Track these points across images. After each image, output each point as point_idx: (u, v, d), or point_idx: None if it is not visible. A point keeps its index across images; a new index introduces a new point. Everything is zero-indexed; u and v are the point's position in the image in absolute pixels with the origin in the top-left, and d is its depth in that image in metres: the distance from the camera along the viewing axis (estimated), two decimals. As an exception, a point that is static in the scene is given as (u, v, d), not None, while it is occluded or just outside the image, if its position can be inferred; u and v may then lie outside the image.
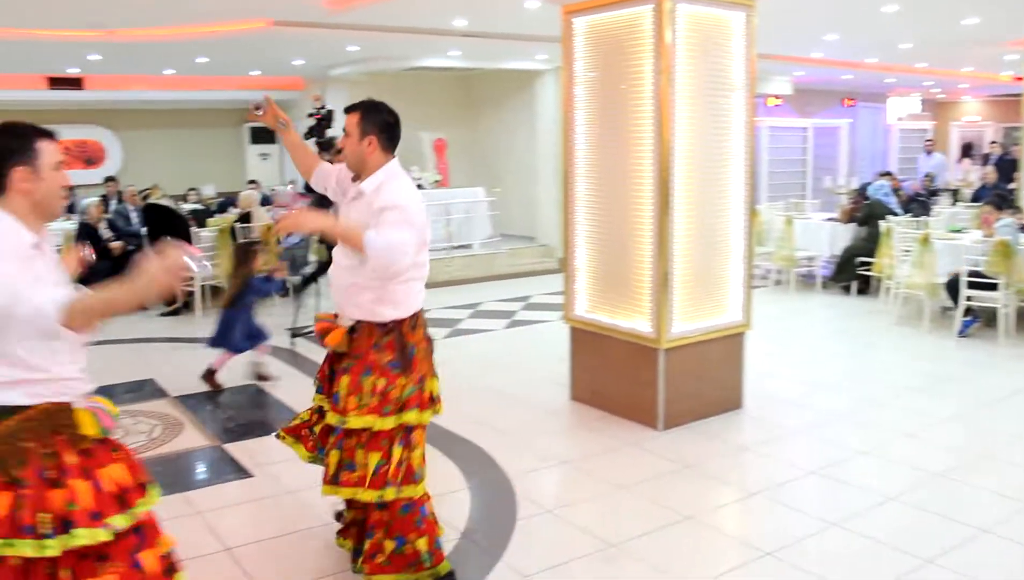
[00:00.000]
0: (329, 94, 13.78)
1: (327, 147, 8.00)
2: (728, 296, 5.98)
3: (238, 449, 5.48)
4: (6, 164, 2.49)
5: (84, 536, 2.43)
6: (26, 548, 2.39)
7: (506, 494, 4.73)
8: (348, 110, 3.66)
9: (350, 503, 3.82)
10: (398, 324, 3.53)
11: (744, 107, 5.79)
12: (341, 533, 4.00)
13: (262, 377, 7.10)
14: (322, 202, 8.00)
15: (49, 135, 2.58)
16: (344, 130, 3.66)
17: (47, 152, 2.55)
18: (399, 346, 3.52)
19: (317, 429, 3.83)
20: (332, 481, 3.53)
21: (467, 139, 15.56)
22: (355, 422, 3.43)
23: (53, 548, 2.40)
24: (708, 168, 5.67)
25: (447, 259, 11.99)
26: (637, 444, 5.48)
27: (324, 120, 7.76)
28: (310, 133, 7.86)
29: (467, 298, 10.75)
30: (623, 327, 5.85)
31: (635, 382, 5.83)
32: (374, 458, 3.45)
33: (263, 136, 17.62)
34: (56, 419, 2.51)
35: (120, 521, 2.52)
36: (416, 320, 3.60)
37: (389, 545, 3.54)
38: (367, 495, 3.45)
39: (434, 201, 12.81)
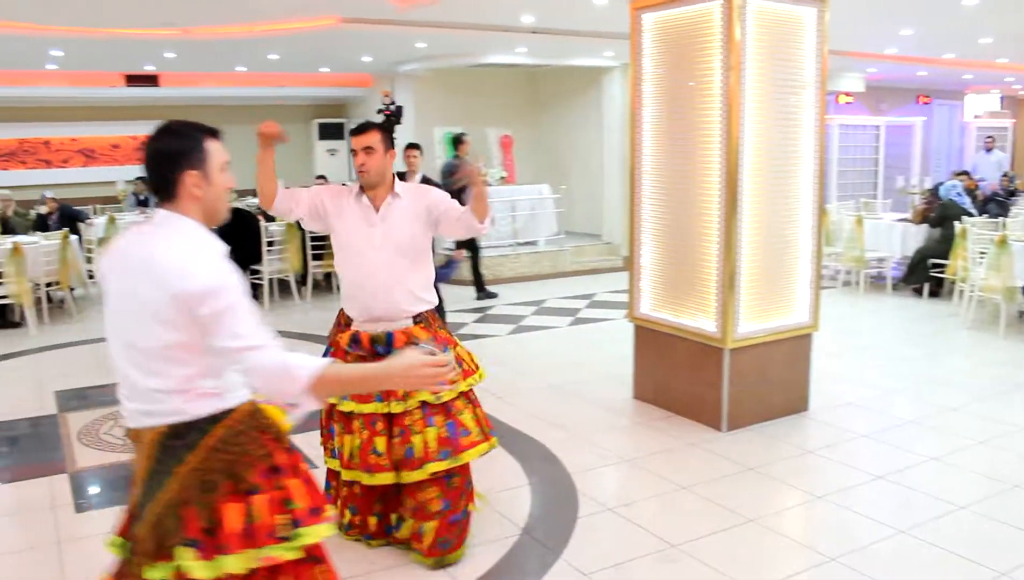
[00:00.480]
0: (397, 90, 13.91)
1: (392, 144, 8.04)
2: (795, 296, 5.89)
3: (303, 440, 5.55)
4: (177, 168, 2.30)
5: (311, 534, 2.30)
6: (276, 552, 2.23)
7: (567, 491, 4.73)
8: (364, 129, 3.89)
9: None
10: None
11: (815, 105, 5.69)
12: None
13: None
14: None
15: (216, 134, 2.40)
16: (366, 148, 3.86)
17: (216, 153, 2.36)
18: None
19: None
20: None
21: (533, 136, 15.58)
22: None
23: (293, 551, 2.26)
24: (777, 166, 5.59)
25: (512, 256, 12.01)
26: (700, 444, 5.43)
27: (393, 116, 7.81)
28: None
29: (532, 295, 10.77)
30: (688, 326, 5.80)
31: (699, 382, 5.78)
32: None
33: (331, 132, 17.84)
34: (258, 418, 2.37)
35: (331, 512, 2.40)
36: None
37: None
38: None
39: (500, 198, 12.85)
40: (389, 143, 3.89)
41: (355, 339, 3.90)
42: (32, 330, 9.23)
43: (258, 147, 3.78)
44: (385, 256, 3.82)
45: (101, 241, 12.44)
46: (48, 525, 4.44)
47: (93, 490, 4.98)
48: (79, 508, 4.67)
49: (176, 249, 2.23)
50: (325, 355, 3.95)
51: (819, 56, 5.65)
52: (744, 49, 5.25)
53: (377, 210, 3.88)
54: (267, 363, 2.19)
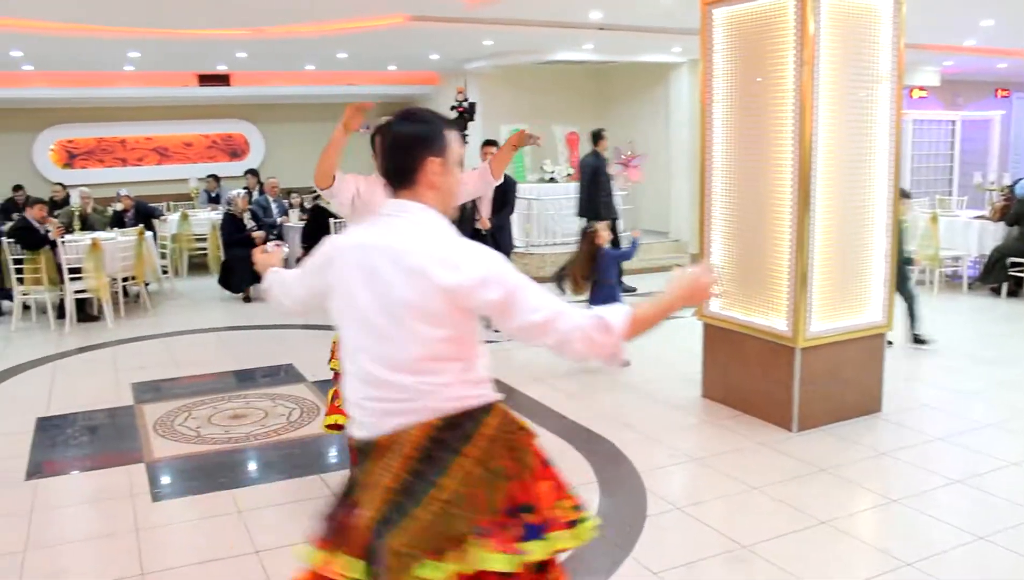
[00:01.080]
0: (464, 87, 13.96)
1: (464, 141, 8.08)
2: (868, 295, 5.78)
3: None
4: (419, 154, 2.24)
5: (590, 522, 2.26)
6: (565, 541, 2.18)
7: (636, 490, 4.70)
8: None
9: None
10: None
11: (890, 100, 5.58)
12: None
13: None
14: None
15: (453, 125, 2.34)
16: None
17: (455, 143, 2.29)
18: None
19: None
20: None
21: (599, 133, 15.50)
22: None
23: (576, 541, 2.22)
24: (850, 163, 5.49)
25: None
26: (769, 444, 5.36)
27: (467, 112, 7.83)
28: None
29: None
30: (758, 325, 5.73)
31: (769, 381, 5.71)
32: None
33: (399, 130, 17.99)
34: (508, 415, 2.29)
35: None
36: None
37: None
38: None
39: (567, 195, 12.82)
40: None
41: None
42: (109, 323, 9.48)
43: (342, 124, 3.82)
44: None
45: (175, 237, 12.74)
46: (127, 513, 4.56)
47: (168, 480, 5.10)
48: (155, 497, 4.79)
49: (433, 240, 2.18)
50: None
51: (895, 50, 5.53)
52: (818, 44, 5.17)
53: None
54: (581, 322, 2.10)
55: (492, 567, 2.09)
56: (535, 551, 2.13)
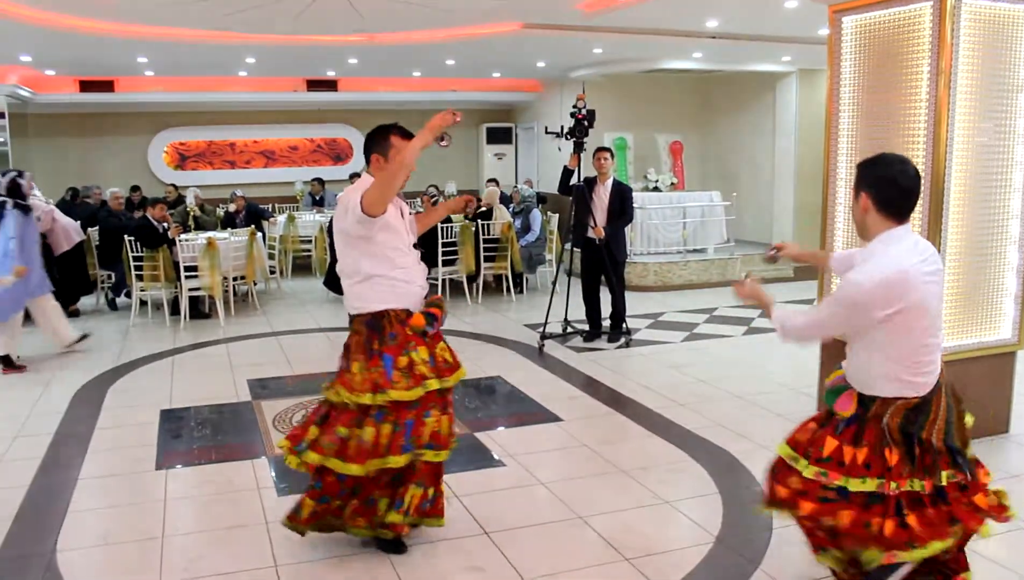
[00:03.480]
0: (566, 96, 13.99)
1: (581, 148, 8.09)
2: (1000, 312, 5.59)
3: (488, 438, 5.66)
4: None
5: None
6: None
7: (759, 502, 4.62)
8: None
9: None
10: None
11: (1028, 110, 5.39)
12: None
13: None
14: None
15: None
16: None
17: None
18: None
19: None
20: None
21: (703, 142, 15.38)
22: None
23: None
24: (984, 175, 5.32)
25: (681, 262, 11.88)
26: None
27: (586, 119, 7.83)
28: (572, 132, 7.96)
29: (702, 303, 10.62)
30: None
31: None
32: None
33: (499, 136, 18.13)
34: None
35: None
36: None
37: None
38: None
39: (670, 204, 12.74)
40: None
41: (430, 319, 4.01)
42: (221, 321, 9.76)
43: (428, 136, 3.74)
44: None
45: (282, 238, 13.05)
46: (255, 506, 4.68)
47: (291, 475, 5.16)
48: (280, 492, 4.90)
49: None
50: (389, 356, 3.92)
51: (1035, 59, 5.34)
52: (956, 52, 5.03)
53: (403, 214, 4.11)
54: None
55: None
56: None
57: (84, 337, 8.65)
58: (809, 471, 3.16)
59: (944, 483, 3.10)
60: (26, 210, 7.92)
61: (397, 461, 3.80)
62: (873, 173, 3.07)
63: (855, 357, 3.23)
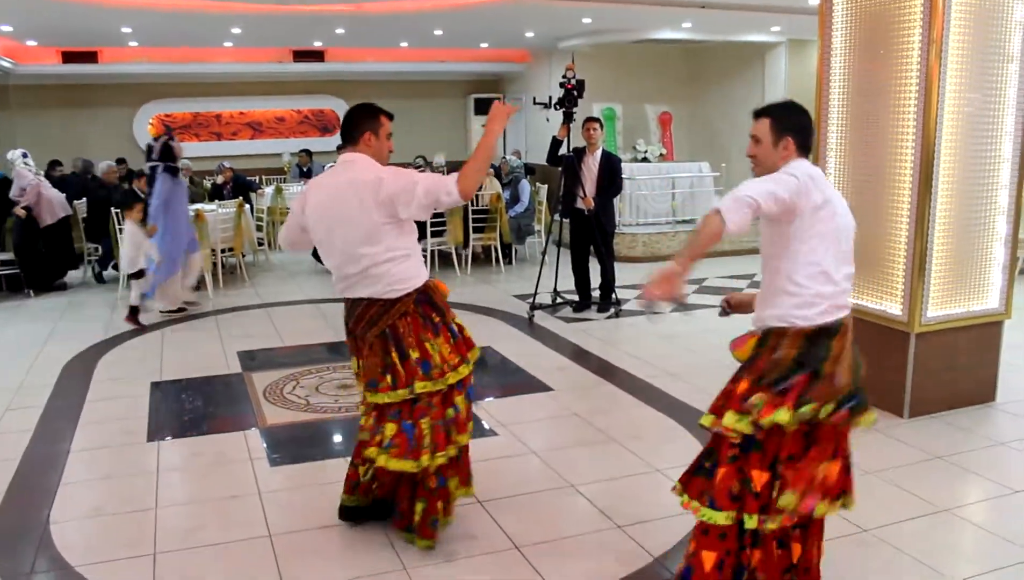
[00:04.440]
0: (555, 66, 13.93)
1: (570, 118, 8.04)
2: (988, 282, 5.62)
3: (479, 408, 5.68)
4: None
5: None
6: None
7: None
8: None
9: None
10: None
11: (1018, 80, 5.40)
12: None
13: None
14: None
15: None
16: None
17: None
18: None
19: None
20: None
21: (692, 113, 15.35)
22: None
23: None
24: (974, 145, 5.33)
25: (670, 233, 11.89)
26: (881, 430, 5.27)
27: (575, 89, 7.80)
28: (560, 103, 7.91)
29: (691, 273, 10.60)
30: (871, 309, 5.62)
31: (881, 366, 5.59)
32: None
33: (486, 107, 17.95)
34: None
35: None
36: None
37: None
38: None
39: (658, 175, 12.73)
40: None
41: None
42: (210, 293, 9.73)
43: (498, 126, 3.69)
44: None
45: (270, 210, 12.99)
46: (248, 476, 4.69)
47: (283, 445, 5.21)
48: (273, 462, 4.91)
49: None
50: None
51: (1026, 28, 5.34)
52: (948, 22, 5.02)
53: None
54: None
55: None
56: None
57: (193, 304, 9.16)
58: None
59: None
60: (175, 173, 8.52)
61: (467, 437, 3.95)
62: (797, 120, 3.20)
63: (766, 282, 3.28)
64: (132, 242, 8.08)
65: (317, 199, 3.75)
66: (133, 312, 8.28)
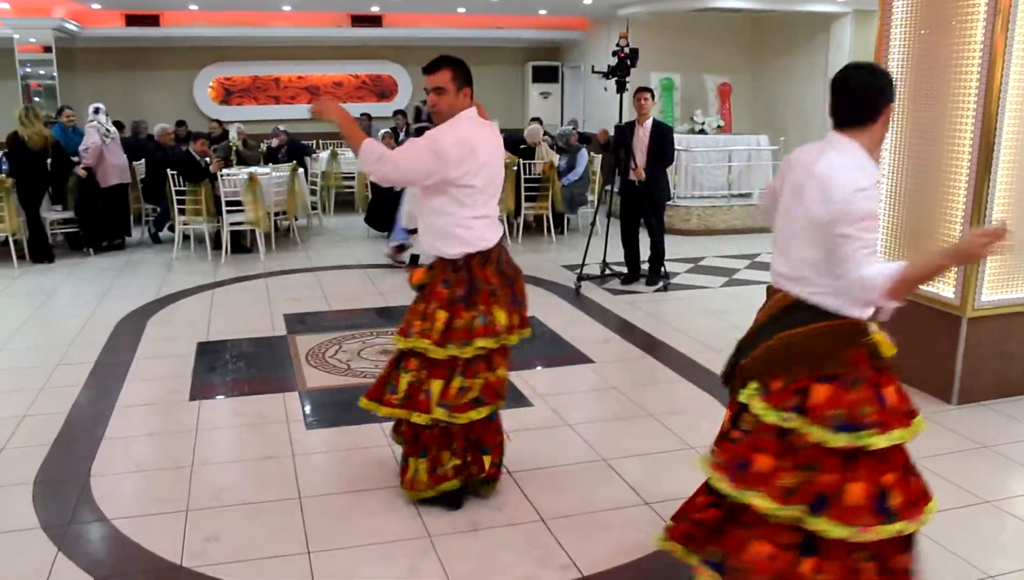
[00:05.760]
0: (613, 34, 13.73)
1: (623, 87, 7.93)
2: (1047, 267, 5.43)
3: (519, 378, 5.66)
4: (884, 100, 2.78)
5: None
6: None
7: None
8: (434, 68, 3.73)
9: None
10: (467, 260, 3.73)
11: (1089, 56, 5.17)
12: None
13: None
14: None
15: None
16: (436, 88, 3.71)
17: None
18: (467, 281, 3.73)
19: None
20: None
21: (752, 85, 15.03)
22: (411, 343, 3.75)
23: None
24: (1039, 123, 5.13)
25: (726, 207, 11.70)
26: (928, 416, 5.04)
27: (628, 58, 7.67)
28: (612, 72, 7.80)
29: (745, 248, 10.48)
30: (923, 291, 5.46)
31: (930, 351, 5.45)
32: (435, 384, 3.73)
33: (545, 75, 17.89)
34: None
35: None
36: (487, 257, 3.76)
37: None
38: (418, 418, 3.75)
39: (716, 147, 12.53)
40: (462, 81, 3.72)
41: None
42: (261, 256, 9.83)
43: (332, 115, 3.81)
44: None
45: (324, 175, 13.06)
46: (283, 438, 4.74)
47: (321, 409, 5.26)
48: (309, 425, 4.95)
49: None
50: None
51: (1098, 2, 5.10)
52: (1015, -9, 4.81)
53: None
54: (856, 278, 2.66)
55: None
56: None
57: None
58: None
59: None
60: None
61: None
62: (891, 86, 2.89)
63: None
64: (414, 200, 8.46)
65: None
66: (413, 260, 9.08)
